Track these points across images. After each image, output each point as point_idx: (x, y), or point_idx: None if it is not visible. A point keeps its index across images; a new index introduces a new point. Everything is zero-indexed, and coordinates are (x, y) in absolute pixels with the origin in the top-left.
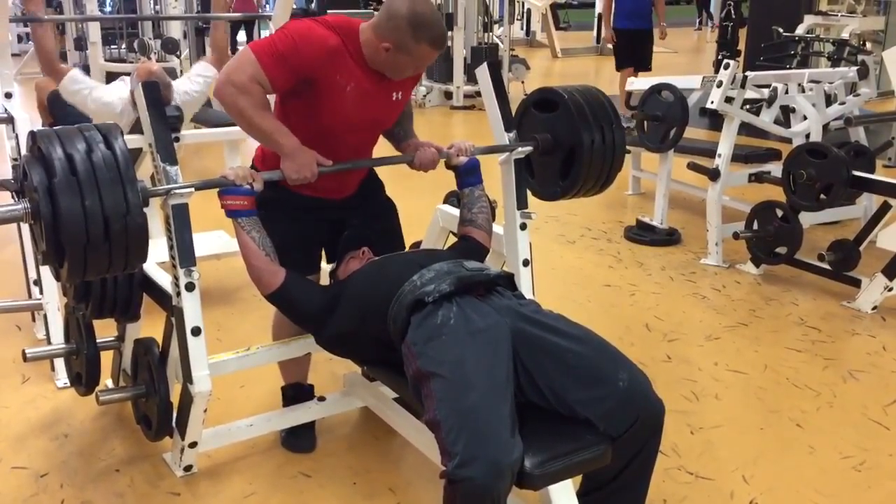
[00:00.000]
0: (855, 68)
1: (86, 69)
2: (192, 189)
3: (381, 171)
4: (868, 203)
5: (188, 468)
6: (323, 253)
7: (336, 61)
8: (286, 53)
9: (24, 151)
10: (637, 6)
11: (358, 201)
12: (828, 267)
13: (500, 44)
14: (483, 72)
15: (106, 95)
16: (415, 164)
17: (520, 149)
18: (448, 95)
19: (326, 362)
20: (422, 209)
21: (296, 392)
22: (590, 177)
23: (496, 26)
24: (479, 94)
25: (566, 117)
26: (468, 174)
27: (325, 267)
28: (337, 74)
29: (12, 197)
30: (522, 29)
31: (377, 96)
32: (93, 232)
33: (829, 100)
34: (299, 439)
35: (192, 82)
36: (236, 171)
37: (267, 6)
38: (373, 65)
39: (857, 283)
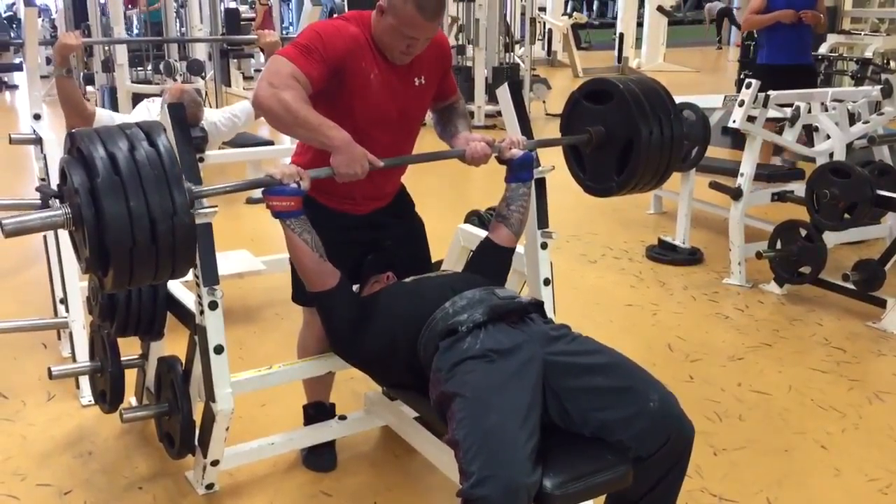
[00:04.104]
0: (879, 87)
1: (112, 91)
2: (216, 209)
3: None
4: (893, 222)
5: (210, 486)
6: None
7: (360, 49)
8: (316, 47)
9: (62, 154)
10: (795, 36)
11: (390, 219)
12: (852, 287)
13: (521, 64)
14: (504, 92)
15: (131, 119)
16: (466, 158)
17: (541, 168)
18: (469, 115)
19: (347, 381)
20: (443, 228)
21: (317, 411)
22: (647, 171)
23: (517, 46)
24: (500, 113)
25: (622, 108)
26: (521, 169)
27: None
28: (362, 62)
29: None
30: (544, 49)
31: (399, 84)
32: (139, 234)
33: (853, 119)
34: (320, 458)
35: (224, 117)
36: (283, 168)
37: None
38: (381, 46)
39: (882, 304)
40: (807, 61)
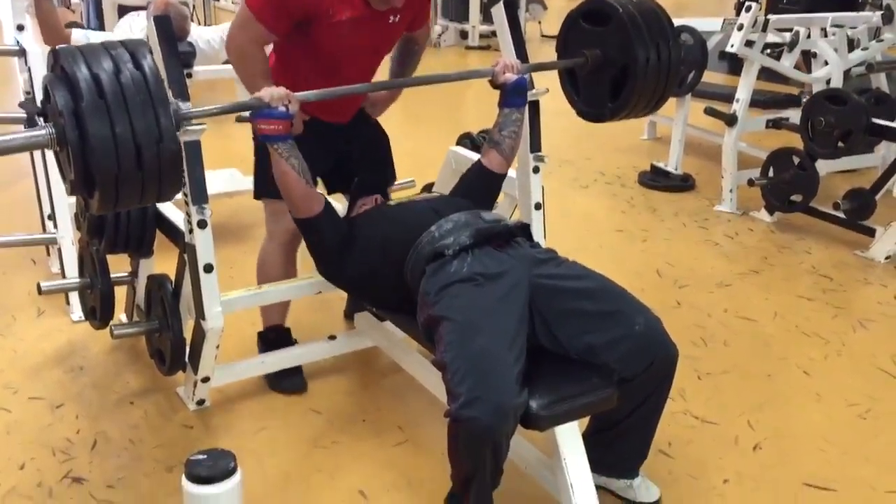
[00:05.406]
0: (879, 13)
1: (98, 2)
2: (205, 126)
3: (395, 111)
4: (886, 152)
5: (201, 402)
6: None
7: None
8: (281, 1)
9: (44, 72)
10: None
11: (356, 129)
12: (842, 215)
13: None
14: (499, 11)
15: (113, 38)
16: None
17: (535, 91)
18: (464, 35)
19: (339, 301)
20: (435, 150)
21: (277, 335)
22: (642, 97)
23: None
24: (495, 33)
25: (619, 31)
26: (515, 93)
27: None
28: (329, 9)
29: (26, 124)
30: None
31: (373, 23)
32: (124, 160)
33: (852, 45)
34: (289, 380)
35: (216, 37)
36: (271, 91)
37: None
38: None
39: (871, 233)
40: None
